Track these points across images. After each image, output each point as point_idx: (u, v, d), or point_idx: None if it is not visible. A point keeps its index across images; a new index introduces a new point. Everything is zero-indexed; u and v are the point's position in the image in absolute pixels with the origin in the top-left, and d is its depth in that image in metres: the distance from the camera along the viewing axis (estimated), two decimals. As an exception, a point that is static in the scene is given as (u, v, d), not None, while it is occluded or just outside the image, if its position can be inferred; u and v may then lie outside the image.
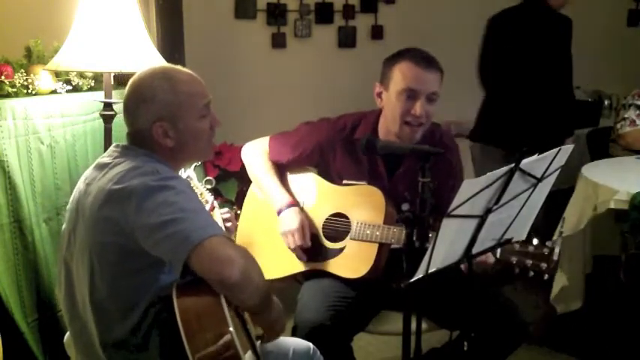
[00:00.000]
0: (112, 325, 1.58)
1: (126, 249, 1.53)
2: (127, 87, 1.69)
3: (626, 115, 3.67)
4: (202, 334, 1.44)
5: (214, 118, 1.73)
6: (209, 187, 2.11)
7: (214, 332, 1.45)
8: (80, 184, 1.67)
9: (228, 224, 2.05)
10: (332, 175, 2.31)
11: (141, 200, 1.49)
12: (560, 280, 2.89)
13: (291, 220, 2.23)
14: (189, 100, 1.66)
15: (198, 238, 1.45)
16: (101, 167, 1.64)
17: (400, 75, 2.14)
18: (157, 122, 1.63)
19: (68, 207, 1.71)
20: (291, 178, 2.38)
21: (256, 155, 2.39)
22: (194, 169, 2.13)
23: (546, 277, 1.78)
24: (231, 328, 1.45)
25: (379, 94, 2.23)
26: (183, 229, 1.46)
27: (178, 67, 1.76)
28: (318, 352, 1.89)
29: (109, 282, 1.57)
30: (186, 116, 1.65)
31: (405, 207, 2.14)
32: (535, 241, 1.81)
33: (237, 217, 2.47)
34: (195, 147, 1.70)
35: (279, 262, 2.29)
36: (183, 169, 2.11)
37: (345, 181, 2.27)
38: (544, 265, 1.78)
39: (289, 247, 2.24)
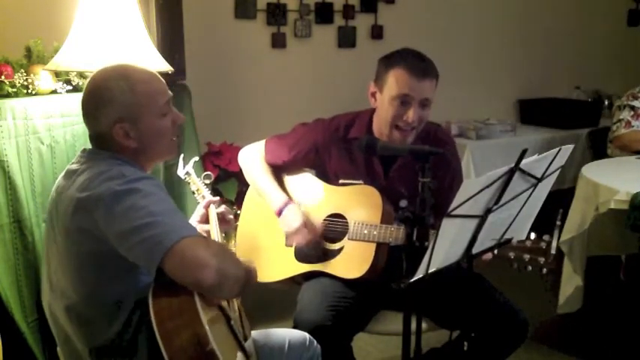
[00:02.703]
0: (99, 331, 1.57)
1: (104, 255, 1.52)
2: (84, 89, 1.65)
3: (621, 117, 3.67)
4: (177, 335, 1.43)
5: (176, 115, 1.70)
6: (207, 182, 2.11)
7: (188, 332, 1.44)
8: (53, 193, 1.65)
9: (226, 216, 2.03)
10: (329, 176, 2.31)
11: (109, 206, 1.47)
12: (568, 285, 2.88)
13: (294, 217, 2.23)
14: (149, 99, 1.62)
15: (169, 242, 1.43)
16: (70, 175, 1.62)
17: (394, 81, 2.14)
18: (117, 124, 1.60)
19: (45, 216, 1.69)
20: (288, 179, 2.38)
21: (253, 159, 2.39)
22: (193, 165, 2.13)
23: (545, 271, 1.78)
24: (206, 327, 1.44)
25: (373, 94, 2.23)
26: (154, 234, 1.44)
27: (136, 65, 1.72)
28: (315, 342, 1.88)
29: (91, 289, 1.56)
30: (146, 116, 1.62)
31: (402, 203, 2.14)
32: (532, 236, 1.81)
33: (236, 217, 2.47)
34: (158, 146, 1.67)
35: (278, 264, 2.29)
36: (182, 165, 2.10)
37: (341, 181, 2.27)
38: (542, 260, 1.78)
39: (299, 244, 2.22)
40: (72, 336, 1.61)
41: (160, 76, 1.70)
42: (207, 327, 1.44)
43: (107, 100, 1.60)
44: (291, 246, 2.29)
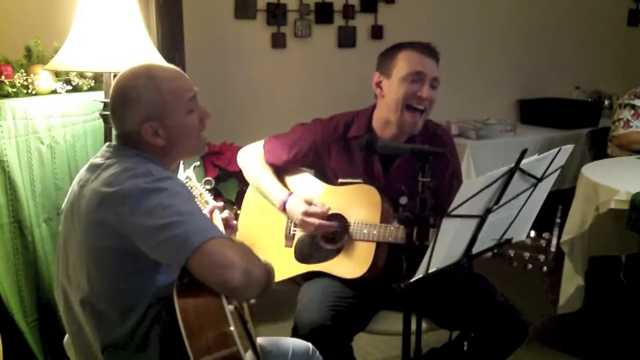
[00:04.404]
0: (111, 327, 1.57)
1: (123, 252, 1.52)
2: (111, 90, 1.67)
3: (621, 116, 3.67)
4: (204, 334, 1.44)
5: (203, 111, 1.71)
6: (208, 187, 2.10)
7: (215, 332, 1.44)
8: (74, 186, 1.66)
9: (230, 222, 2.04)
10: (328, 175, 2.31)
11: (135, 203, 1.48)
12: (569, 285, 2.88)
13: (299, 204, 2.22)
14: (174, 96, 1.63)
15: (197, 241, 1.44)
16: (94, 169, 1.62)
17: (405, 61, 2.16)
18: (145, 123, 1.61)
19: (63, 207, 1.70)
20: (288, 180, 2.38)
21: (252, 159, 2.38)
22: (194, 170, 2.13)
23: (545, 269, 1.78)
24: (232, 328, 1.45)
25: (378, 84, 2.23)
26: (181, 232, 1.44)
27: (160, 63, 1.73)
28: (317, 353, 1.89)
29: (108, 285, 1.56)
30: (173, 113, 1.63)
31: (402, 200, 2.14)
32: (532, 233, 1.81)
33: (236, 217, 2.47)
34: (186, 143, 1.68)
35: (278, 265, 2.26)
36: (182, 169, 2.10)
37: (340, 180, 2.27)
38: (542, 257, 1.79)
39: (312, 227, 2.19)
40: (85, 328, 1.62)
41: (184, 72, 1.71)
42: (233, 328, 1.44)
43: (134, 100, 1.61)
44: (291, 246, 2.29)
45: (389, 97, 2.20)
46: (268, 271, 1.58)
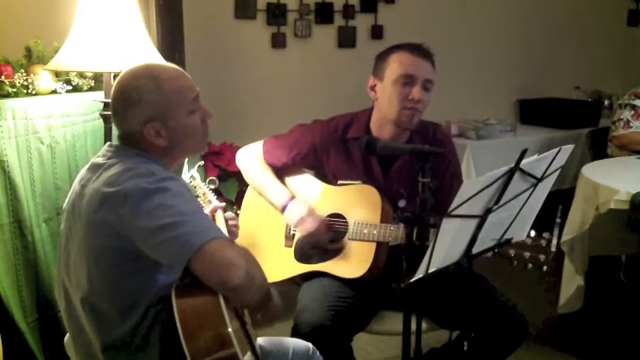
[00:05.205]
0: (112, 326, 1.57)
1: (123, 252, 1.52)
2: (113, 90, 1.66)
3: (621, 116, 3.68)
4: (201, 335, 1.44)
5: (205, 111, 1.70)
6: (212, 187, 2.11)
7: (213, 333, 1.45)
8: (76, 185, 1.66)
9: (233, 222, 2.04)
10: (327, 176, 2.31)
11: (136, 203, 1.47)
12: (569, 286, 2.88)
13: (299, 208, 2.22)
14: (177, 96, 1.62)
15: (199, 242, 1.44)
16: (95, 168, 1.62)
17: (396, 63, 2.15)
18: (147, 124, 1.60)
19: (64, 207, 1.70)
20: (287, 180, 2.37)
21: (251, 159, 2.38)
22: (197, 170, 2.13)
23: (545, 268, 1.78)
24: (229, 329, 1.45)
25: (373, 87, 2.23)
26: (183, 233, 1.45)
27: (162, 62, 1.72)
28: (318, 353, 1.89)
29: (108, 285, 1.56)
30: (176, 114, 1.62)
31: (401, 203, 2.14)
32: (532, 233, 1.81)
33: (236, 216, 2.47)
34: (188, 143, 1.68)
35: (278, 265, 2.29)
36: (187, 169, 2.10)
37: (340, 181, 2.27)
38: (542, 257, 1.79)
39: (308, 232, 2.20)
40: (85, 328, 1.62)
41: (186, 72, 1.70)
42: (231, 329, 1.44)
43: (136, 100, 1.60)
44: (291, 246, 2.29)
45: (383, 100, 2.20)
46: (267, 281, 1.58)
